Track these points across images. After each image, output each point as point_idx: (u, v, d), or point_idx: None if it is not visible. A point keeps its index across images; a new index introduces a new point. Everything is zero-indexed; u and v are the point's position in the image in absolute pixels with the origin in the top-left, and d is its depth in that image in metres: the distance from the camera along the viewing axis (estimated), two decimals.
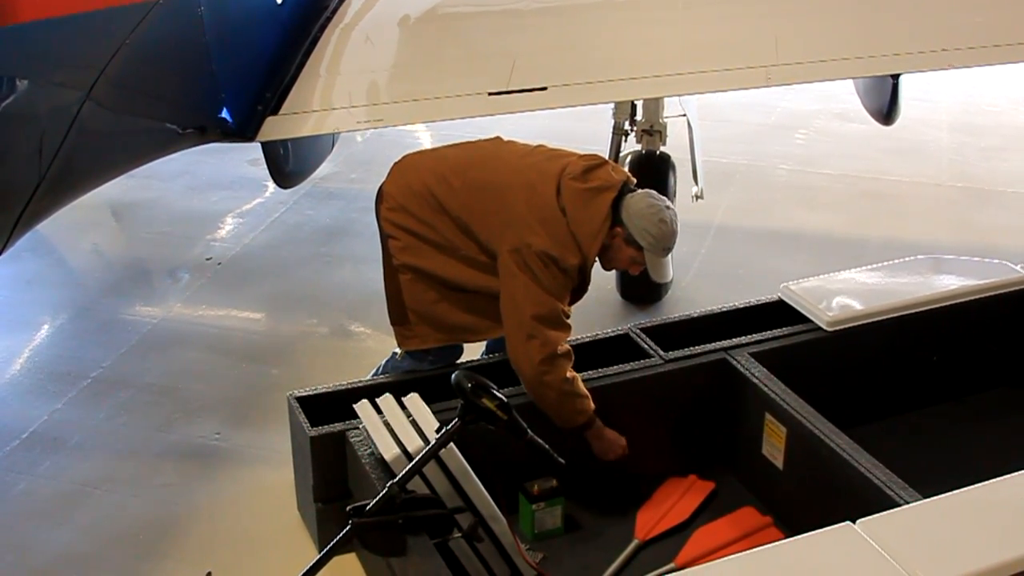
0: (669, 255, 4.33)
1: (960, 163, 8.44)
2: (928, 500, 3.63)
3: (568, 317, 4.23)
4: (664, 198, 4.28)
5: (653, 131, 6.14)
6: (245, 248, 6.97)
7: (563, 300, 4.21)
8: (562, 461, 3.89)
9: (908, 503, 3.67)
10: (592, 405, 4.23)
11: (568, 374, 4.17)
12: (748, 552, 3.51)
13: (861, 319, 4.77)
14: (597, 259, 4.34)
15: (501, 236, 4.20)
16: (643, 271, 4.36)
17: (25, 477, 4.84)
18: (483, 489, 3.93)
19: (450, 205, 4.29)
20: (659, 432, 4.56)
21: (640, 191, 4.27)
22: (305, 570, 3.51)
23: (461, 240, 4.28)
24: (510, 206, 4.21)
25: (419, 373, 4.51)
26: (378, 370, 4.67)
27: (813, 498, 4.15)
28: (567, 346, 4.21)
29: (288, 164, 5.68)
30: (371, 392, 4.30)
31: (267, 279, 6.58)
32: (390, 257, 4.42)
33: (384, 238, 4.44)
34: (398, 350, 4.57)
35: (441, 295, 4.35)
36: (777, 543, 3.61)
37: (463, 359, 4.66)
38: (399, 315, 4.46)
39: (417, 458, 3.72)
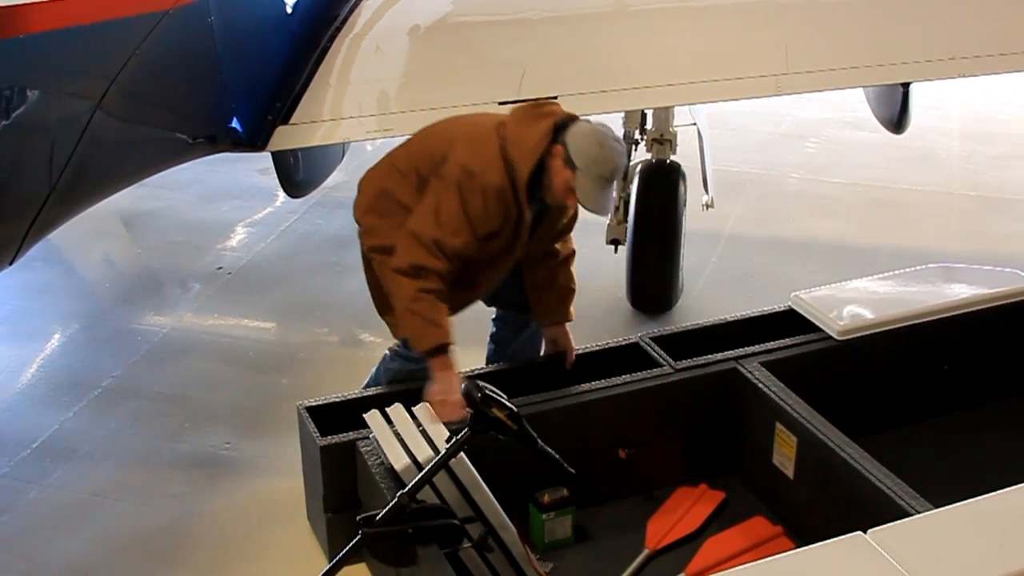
0: (609, 190, 4.16)
1: (971, 171, 8.42)
2: (939, 510, 3.62)
3: (448, 253, 4.12)
4: (614, 132, 4.18)
5: (663, 140, 6.14)
6: (255, 257, 6.97)
7: (463, 231, 4.12)
8: (572, 471, 3.88)
9: (919, 513, 3.66)
10: (439, 339, 4.14)
11: (416, 295, 4.11)
12: (759, 562, 3.50)
13: (872, 328, 4.75)
14: (546, 195, 4.23)
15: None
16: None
17: (36, 486, 4.85)
18: (493, 498, 3.92)
19: (404, 168, 4.32)
20: (669, 442, 4.55)
21: (593, 123, 4.18)
22: None
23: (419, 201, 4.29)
24: (452, 141, 4.21)
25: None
26: (372, 377, 4.66)
27: (824, 508, 4.14)
28: (433, 278, 4.11)
29: (298, 174, 5.69)
30: (381, 401, 4.29)
31: (277, 288, 6.59)
32: (361, 249, 4.46)
33: (360, 242, 4.49)
34: (388, 350, 4.57)
35: None
36: (788, 553, 3.59)
37: (469, 369, 4.66)
38: (383, 304, 4.47)
39: (427, 468, 3.72)
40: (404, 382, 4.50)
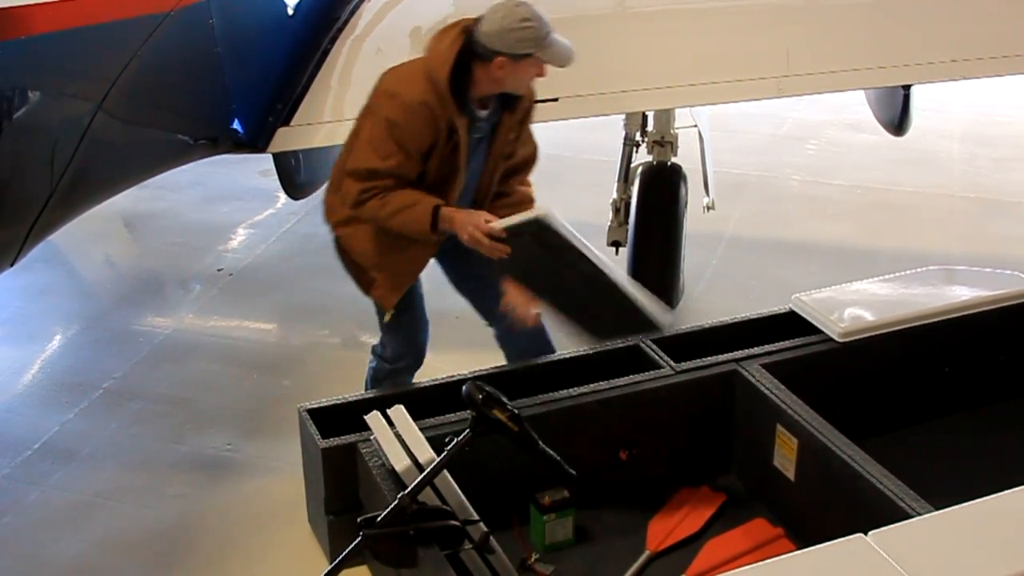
0: (556, 37, 4.09)
1: (972, 174, 8.42)
2: (940, 512, 3.61)
3: (385, 174, 4.13)
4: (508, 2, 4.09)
5: (664, 142, 6.13)
6: (257, 259, 6.98)
7: (394, 154, 4.11)
8: (573, 472, 3.88)
9: (920, 515, 3.66)
10: (427, 211, 4.12)
11: (382, 205, 4.14)
12: (759, 564, 3.49)
13: (873, 330, 4.75)
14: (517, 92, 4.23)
15: None
16: None
17: (38, 488, 4.85)
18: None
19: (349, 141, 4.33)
20: (670, 443, 4.55)
21: (491, 11, 4.11)
22: None
23: None
24: (379, 81, 4.23)
25: (429, 383, 4.51)
26: (368, 377, 4.67)
27: (825, 510, 4.14)
28: (380, 187, 4.14)
29: (299, 175, 5.69)
30: (382, 403, 4.29)
31: (278, 290, 6.59)
32: (331, 235, 4.49)
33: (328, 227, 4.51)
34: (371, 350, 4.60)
35: (375, 230, 4.32)
36: (789, 555, 3.59)
37: (471, 369, 4.65)
38: (365, 280, 4.47)
39: (428, 469, 3.72)
40: (384, 382, 4.55)
